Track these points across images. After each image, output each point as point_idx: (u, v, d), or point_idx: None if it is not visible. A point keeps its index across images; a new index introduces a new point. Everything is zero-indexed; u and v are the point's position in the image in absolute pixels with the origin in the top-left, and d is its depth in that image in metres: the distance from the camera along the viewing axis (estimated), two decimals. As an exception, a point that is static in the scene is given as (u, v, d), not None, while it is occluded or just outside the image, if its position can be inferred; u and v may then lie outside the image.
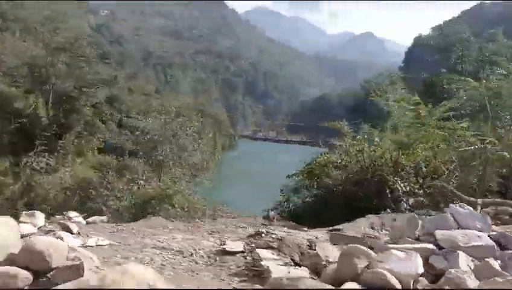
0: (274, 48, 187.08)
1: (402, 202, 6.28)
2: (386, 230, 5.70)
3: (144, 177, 14.43)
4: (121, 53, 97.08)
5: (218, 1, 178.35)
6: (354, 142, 6.98)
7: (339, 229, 5.26)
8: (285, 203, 8.00)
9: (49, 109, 19.44)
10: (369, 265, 3.07)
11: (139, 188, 14.29)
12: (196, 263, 3.94)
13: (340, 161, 7.26)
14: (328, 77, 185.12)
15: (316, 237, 4.50)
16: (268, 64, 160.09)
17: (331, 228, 5.40)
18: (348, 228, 5.35)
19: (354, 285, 2.90)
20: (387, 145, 6.89)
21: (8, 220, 3.91)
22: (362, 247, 3.21)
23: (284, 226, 5.76)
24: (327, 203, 7.11)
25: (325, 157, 7.63)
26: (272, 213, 6.24)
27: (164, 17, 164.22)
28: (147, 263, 3.82)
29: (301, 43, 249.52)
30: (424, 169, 6.97)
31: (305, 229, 5.39)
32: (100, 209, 12.90)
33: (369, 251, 3.18)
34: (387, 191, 6.43)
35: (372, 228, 5.66)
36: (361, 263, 3.11)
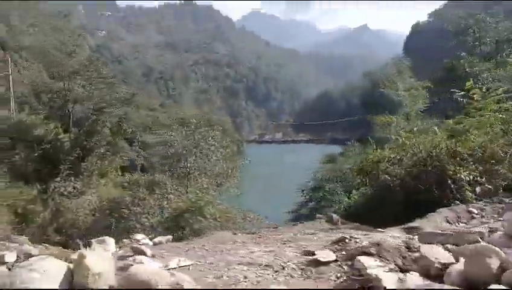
0: (271, 51, 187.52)
1: (467, 191, 6.03)
2: (462, 223, 5.45)
3: (173, 191, 14.35)
4: (122, 71, 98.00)
5: (213, 10, 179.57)
6: (411, 134, 6.76)
7: (415, 227, 5.02)
8: (339, 204, 7.76)
9: (70, 133, 19.53)
10: (503, 264, 2.87)
11: (167, 203, 14.19)
12: (292, 276, 3.70)
13: (394, 155, 7.04)
14: (327, 74, 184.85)
15: (410, 238, 4.26)
16: (267, 67, 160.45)
17: (406, 225, 5.15)
18: (425, 224, 5.11)
19: (499, 286, 2.70)
20: (441, 134, 6.65)
21: (102, 250, 3.72)
22: (491, 246, 3.01)
23: (352, 229, 5.53)
24: (383, 199, 6.88)
25: (378, 153, 7.41)
26: (335, 216, 6.02)
27: (160, 32, 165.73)
28: (243, 282, 3.61)
29: (297, 43, 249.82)
30: (480, 155, 6.71)
31: (380, 229, 5.15)
32: (134, 227, 12.79)
33: (497, 249, 2.99)
34: (449, 181, 6.18)
35: (448, 222, 5.40)
36: (494, 263, 2.90)
